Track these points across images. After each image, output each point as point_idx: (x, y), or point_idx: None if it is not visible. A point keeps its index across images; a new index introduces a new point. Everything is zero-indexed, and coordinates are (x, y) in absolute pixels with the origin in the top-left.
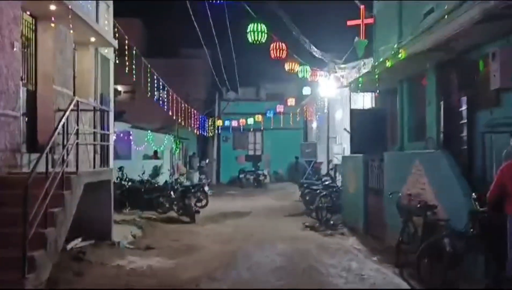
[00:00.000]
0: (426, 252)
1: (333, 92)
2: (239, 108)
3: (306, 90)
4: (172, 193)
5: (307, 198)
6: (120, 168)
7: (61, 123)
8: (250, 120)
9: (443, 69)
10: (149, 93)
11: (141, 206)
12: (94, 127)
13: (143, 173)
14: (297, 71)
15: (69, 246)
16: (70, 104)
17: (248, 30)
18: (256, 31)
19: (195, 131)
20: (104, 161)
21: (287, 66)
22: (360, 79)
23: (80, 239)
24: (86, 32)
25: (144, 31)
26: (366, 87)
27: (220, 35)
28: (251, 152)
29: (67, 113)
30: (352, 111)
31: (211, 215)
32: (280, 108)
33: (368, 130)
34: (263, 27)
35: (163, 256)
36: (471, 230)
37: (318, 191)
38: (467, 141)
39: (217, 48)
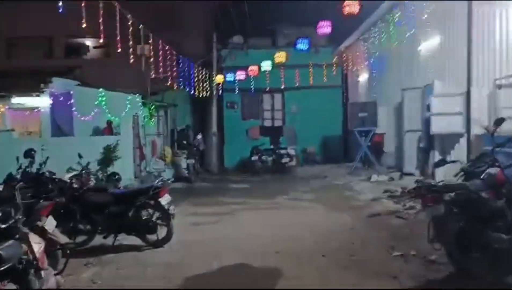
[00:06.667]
0: None
1: None
2: (247, 60)
3: None
4: None
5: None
6: (28, 153)
7: None
8: (266, 65)
9: None
10: (123, 47)
11: None
12: None
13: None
14: None
15: None
16: None
17: None
18: None
19: (184, 90)
20: None
21: None
22: None
23: None
24: None
25: None
26: None
27: None
28: (267, 123)
29: None
30: None
31: None
32: (324, 28)
33: None
34: None
35: None
36: None
37: None
38: None
39: None
